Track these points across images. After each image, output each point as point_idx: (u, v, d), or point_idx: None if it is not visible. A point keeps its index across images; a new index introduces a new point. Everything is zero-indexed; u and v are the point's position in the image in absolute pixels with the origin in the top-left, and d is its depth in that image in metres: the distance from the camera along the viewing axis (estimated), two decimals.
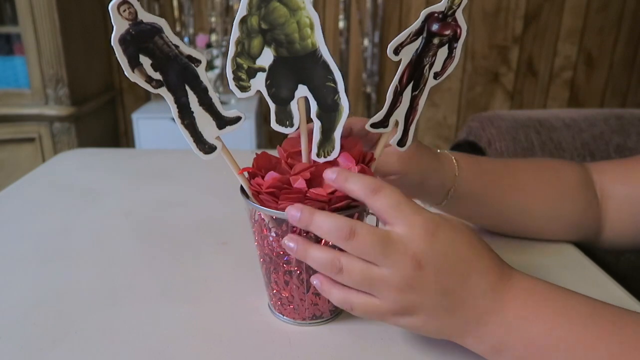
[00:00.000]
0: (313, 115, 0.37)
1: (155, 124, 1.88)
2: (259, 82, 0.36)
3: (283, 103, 0.36)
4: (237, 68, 0.35)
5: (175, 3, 2.09)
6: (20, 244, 0.54)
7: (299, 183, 0.35)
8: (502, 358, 0.33)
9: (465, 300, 0.32)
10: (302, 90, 0.36)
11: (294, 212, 0.33)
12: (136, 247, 0.53)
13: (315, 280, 0.35)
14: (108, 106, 2.16)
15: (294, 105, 0.37)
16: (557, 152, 0.84)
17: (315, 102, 0.36)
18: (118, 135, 2.27)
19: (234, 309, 0.43)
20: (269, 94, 0.36)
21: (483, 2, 2.11)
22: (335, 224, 0.32)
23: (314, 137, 0.37)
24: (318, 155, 0.38)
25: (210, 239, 0.55)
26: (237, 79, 0.35)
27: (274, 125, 0.37)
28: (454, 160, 0.48)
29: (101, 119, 2.09)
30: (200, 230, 0.57)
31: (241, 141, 1.90)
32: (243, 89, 0.36)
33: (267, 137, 2.23)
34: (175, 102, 0.35)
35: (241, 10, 0.34)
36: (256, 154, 0.40)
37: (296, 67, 0.35)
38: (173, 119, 0.36)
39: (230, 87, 0.36)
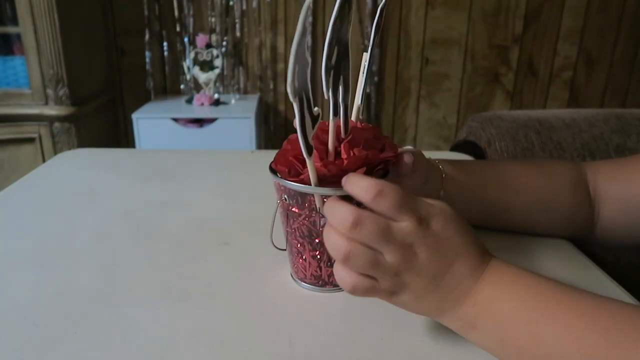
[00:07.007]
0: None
1: (155, 124, 1.88)
2: None
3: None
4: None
5: (175, 3, 2.09)
6: (20, 244, 0.54)
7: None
8: (475, 332, 0.36)
9: (448, 284, 0.36)
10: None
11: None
12: (136, 247, 0.53)
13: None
14: (108, 106, 2.16)
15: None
16: (557, 153, 0.84)
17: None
18: (118, 135, 2.27)
19: (235, 309, 0.43)
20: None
21: (483, 2, 2.11)
22: (341, 213, 0.35)
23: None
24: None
25: (211, 239, 0.55)
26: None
27: None
28: (440, 166, 0.53)
29: (101, 119, 2.09)
30: (200, 231, 0.57)
31: (241, 141, 1.90)
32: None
33: (267, 137, 2.23)
34: None
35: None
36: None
37: None
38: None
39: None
